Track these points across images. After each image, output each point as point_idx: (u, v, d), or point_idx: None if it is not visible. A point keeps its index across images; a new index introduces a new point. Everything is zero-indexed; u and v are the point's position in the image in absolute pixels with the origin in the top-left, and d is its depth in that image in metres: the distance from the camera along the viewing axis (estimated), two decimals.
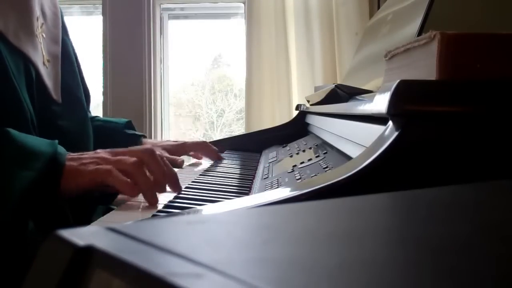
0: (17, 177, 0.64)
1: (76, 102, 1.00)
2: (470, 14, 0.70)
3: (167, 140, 1.21)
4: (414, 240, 0.19)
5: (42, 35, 0.91)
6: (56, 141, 0.72)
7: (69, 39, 1.06)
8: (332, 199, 0.26)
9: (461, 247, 0.18)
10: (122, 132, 1.17)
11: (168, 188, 0.72)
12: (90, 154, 0.72)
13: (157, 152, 0.73)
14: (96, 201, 0.77)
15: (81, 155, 0.71)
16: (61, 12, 1.04)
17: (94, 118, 1.19)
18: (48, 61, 0.91)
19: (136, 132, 1.20)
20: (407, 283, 0.14)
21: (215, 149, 1.20)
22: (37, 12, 0.90)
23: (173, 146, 1.18)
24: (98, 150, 0.73)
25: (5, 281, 0.64)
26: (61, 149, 0.70)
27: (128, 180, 0.65)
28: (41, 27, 0.90)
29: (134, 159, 0.68)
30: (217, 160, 1.17)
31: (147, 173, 0.69)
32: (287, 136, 1.31)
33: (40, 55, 0.88)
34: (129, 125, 1.20)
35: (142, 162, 0.69)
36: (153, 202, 0.66)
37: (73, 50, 1.09)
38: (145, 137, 1.22)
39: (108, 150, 0.73)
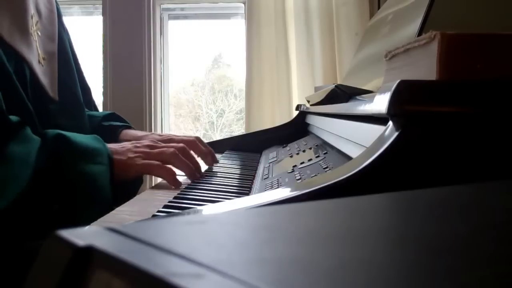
0: (97, 172, 0.74)
1: (74, 100, 0.99)
2: (470, 14, 0.70)
3: (151, 133, 1.10)
4: (414, 240, 0.19)
5: (37, 33, 0.90)
6: (97, 136, 0.82)
7: (66, 36, 1.05)
8: (332, 199, 0.26)
9: (461, 247, 0.18)
10: (100, 125, 1.10)
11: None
12: (130, 147, 0.83)
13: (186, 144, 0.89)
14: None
15: (123, 148, 0.82)
16: (59, 9, 1.03)
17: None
18: (44, 59, 0.90)
19: (113, 123, 1.10)
20: (407, 283, 0.14)
21: (208, 149, 1.02)
22: (32, 10, 0.89)
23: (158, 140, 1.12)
24: (137, 144, 0.84)
25: (5, 281, 0.64)
26: (104, 143, 0.81)
27: (174, 172, 0.80)
28: (36, 25, 0.90)
29: (172, 150, 0.82)
30: (210, 162, 1.02)
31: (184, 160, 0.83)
32: (287, 136, 1.31)
33: (35, 54, 0.88)
34: (109, 117, 1.12)
35: (180, 151, 0.83)
36: (192, 177, 0.84)
37: (71, 46, 1.08)
38: (127, 127, 1.11)
39: (145, 143, 0.85)
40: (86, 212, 0.70)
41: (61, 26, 1.02)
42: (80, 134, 0.80)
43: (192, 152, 0.91)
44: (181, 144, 0.87)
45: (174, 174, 0.79)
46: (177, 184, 0.79)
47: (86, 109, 1.08)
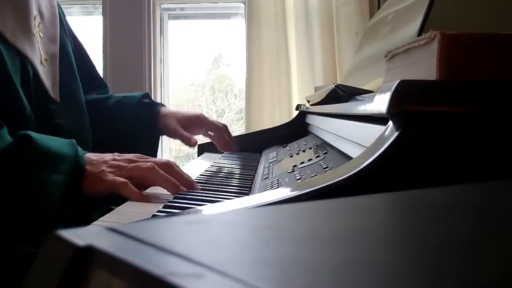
0: (52, 181, 0.66)
1: (75, 101, 1.00)
2: (470, 14, 0.70)
3: (184, 110, 1.16)
4: (414, 240, 0.19)
5: (40, 35, 0.91)
6: (74, 140, 0.74)
7: (68, 38, 1.06)
8: (332, 199, 0.26)
9: (462, 247, 0.18)
10: (138, 104, 1.14)
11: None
12: (108, 159, 0.74)
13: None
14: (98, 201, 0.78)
15: (100, 159, 0.74)
16: (62, 12, 1.04)
17: (111, 96, 1.19)
18: (46, 60, 0.91)
19: (154, 101, 1.17)
20: (408, 283, 0.14)
21: (234, 141, 1.17)
22: (35, 11, 0.90)
23: (187, 119, 1.13)
24: (116, 156, 0.76)
25: (5, 281, 0.64)
26: (80, 151, 0.73)
27: (140, 192, 0.70)
28: (38, 26, 0.90)
29: (149, 164, 0.72)
30: (230, 151, 1.15)
31: (163, 173, 0.73)
32: (287, 136, 1.30)
33: (38, 54, 0.88)
34: (145, 97, 1.18)
35: (157, 167, 0.73)
36: (176, 190, 0.71)
37: (79, 44, 1.10)
38: (163, 105, 1.19)
39: (125, 156, 0.76)
40: (32, 220, 0.65)
41: (63, 30, 1.02)
42: (54, 138, 0.74)
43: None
44: (164, 160, 0.78)
45: (139, 195, 0.69)
46: (145, 200, 0.69)
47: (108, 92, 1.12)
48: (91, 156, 0.75)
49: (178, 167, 0.78)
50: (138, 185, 0.71)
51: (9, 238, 0.65)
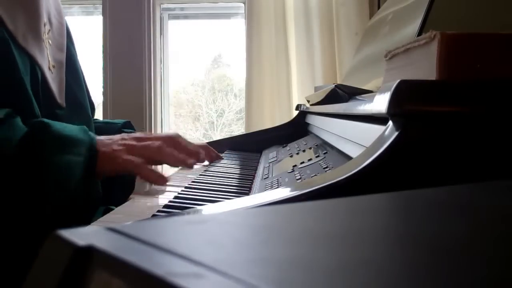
0: (72, 163, 0.71)
1: (80, 106, 1.01)
2: (470, 14, 0.70)
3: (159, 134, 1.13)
4: (413, 240, 0.19)
5: (49, 42, 0.92)
6: (85, 126, 0.79)
7: (74, 48, 1.08)
8: (332, 199, 0.26)
9: (461, 247, 0.18)
10: (120, 131, 1.13)
11: (175, 183, 0.80)
12: (117, 139, 0.80)
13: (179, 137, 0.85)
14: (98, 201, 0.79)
15: (110, 140, 0.79)
16: (67, 24, 1.06)
17: (94, 121, 1.19)
18: (54, 66, 0.92)
19: (129, 131, 1.14)
20: (407, 283, 0.14)
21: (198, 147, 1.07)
22: (45, 18, 0.92)
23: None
24: (124, 136, 0.81)
25: (5, 281, 0.64)
26: (92, 134, 0.78)
27: (155, 171, 0.76)
28: (47, 33, 0.92)
29: (158, 143, 0.79)
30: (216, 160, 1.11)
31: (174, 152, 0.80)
32: (287, 136, 1.30)
33: (46, 60, 0.90)
34: (127, 125, 1.16)
35: (165, 145, 0.79)
36: (189, 165, 0.81)
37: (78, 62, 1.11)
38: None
39: (133, 135, 0.82)
40: (56, 204, 0.68)
41: (70, 41, 1.05)
42: (67, 124, 0.78)
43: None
44: (169, 135, 0.84)
45: (155, 176, 0.76)
46: (161, 181, 0.76)
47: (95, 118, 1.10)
48: (102, 138, 0.79)
49: (184, 140, 0.87)
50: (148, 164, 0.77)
51: (37, 220, 0.66)
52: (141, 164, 0.75)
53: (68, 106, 0.94)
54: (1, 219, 0.66)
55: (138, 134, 0.82)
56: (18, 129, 0.72)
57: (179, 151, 0.81)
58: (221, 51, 2.66)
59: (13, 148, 0.68)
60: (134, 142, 0.78)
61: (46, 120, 0.75)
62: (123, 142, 0.78)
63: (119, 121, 1.19)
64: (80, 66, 1.08)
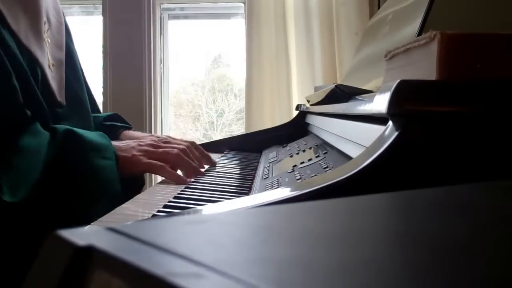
0: (106, 166, 0.76)
1: (80, 104, 1.01)
2: (470, 14, 0.70)
3: (150, 135, 1.08)
4: (413, 240, 0.19)
5: (48, 40, 0.93)
6: (102, 133, 0.84)
7: (73, 45, 1.08)
8: (332, 199, 0.26)
9: (461, 247, 0.18)
10: (102, 124, 1.10)
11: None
12: (134, 145, 0.85)
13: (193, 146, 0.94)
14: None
15: (127, 146, 0.85)
16: (66, 22, 1.06)
17: None
18: (53, 65, 0.92)
19: (114, 123, 1.12)
20: (407, 283, 0.14)
21: (202, 155, 0.99)
22: (44, 17, 0.92)
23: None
24: (140, 142, 0.87)
25: (5, 281, 0.64)
26: (110, 140, 0.83)
27: (176, 173, 0.83)
28: (47, 32, 0.92)
29: (176, 151, 0.86)
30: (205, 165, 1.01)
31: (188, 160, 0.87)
32: (287, 136, 1.30)
33: (46, 58, 0.90)
34: (111, 117, 1.13)
35: (184, 152, 0.87)
36: (195, 174, 0.87)
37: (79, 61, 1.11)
38: (128, 128, 1.12)
39: (148, 142, 0.87)
40: (97, 205, 0.72)
41: (69, 39, 1.05)
42: (86, 130, 0.83)
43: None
44: (182, 146, 0.90)
45: (176, 176, 0.82)
46: (181, 181, 0.82)
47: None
48: (117, 143, 0.85)
49: (199, 148, 0.97)
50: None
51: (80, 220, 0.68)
52: (163, 166, 0.82)
53: (68, 103, 0.95)
54: (42, 220, 0.68)
55: (151, 141, 0.88)
56: (43, 135, 0.75)
57: (194, 159, 0.89)
58: (221, 51, 2.66)
59: (43, 156, 0.72)
60: (151, 149, 0.85)
61: (70, 127, 0.79)
62: (141, 148, 0.84)
63: (104, 115, 1.16)
64: (79, 63, 1.09)
